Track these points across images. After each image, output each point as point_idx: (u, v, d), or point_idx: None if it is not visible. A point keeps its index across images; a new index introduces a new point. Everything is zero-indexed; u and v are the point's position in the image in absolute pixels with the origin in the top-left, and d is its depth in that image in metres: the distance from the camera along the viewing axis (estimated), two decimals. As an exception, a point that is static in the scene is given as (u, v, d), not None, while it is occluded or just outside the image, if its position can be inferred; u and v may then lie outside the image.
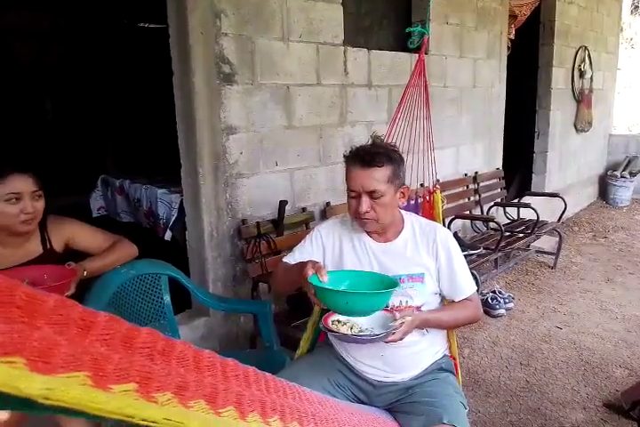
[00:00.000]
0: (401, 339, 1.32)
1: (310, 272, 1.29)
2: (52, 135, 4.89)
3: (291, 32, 2.66)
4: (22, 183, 1.49)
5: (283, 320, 2.43)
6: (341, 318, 1.39)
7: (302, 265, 1.34)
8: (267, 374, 0.78)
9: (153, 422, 0.47)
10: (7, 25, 4.61)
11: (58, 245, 1.67)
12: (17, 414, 1.41)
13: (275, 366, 1.80)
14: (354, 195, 1.44)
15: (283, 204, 2.64)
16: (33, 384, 0.38)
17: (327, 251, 1.55)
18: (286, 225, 2.70)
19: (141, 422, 0.46)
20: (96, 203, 3.75)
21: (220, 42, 2.34)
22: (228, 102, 2.41)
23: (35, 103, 4.93)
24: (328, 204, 3.00)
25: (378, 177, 1.40)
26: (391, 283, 1.34)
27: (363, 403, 1.48)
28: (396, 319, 1.31)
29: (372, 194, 1.41)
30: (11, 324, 0.40)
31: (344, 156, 1.48)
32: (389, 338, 1.29)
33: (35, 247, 1.62)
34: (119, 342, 0.51)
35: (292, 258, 1.56)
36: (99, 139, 5.11)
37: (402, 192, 1.49)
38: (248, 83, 2.49)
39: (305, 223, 2.85)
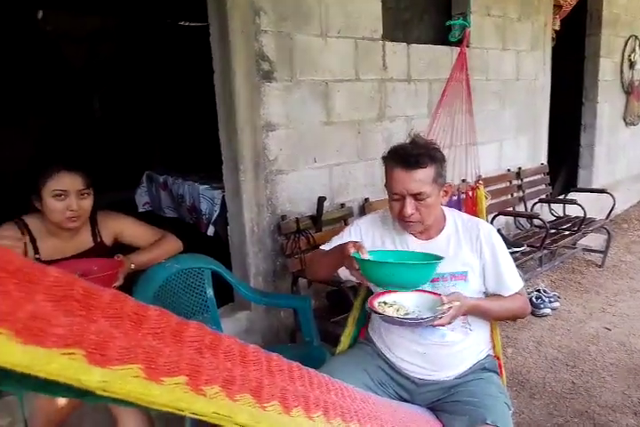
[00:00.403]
0: (449, 323, 1.30)
1: (352, 250, 1.30)
2: (100, 133, 5.05)
3: (329, 28, 2.65)
4: (70, 181, 1.54)
5: (323, 316, 2.44)
6: (388, 299, 1.38)
7: (343, 245, 1.35)
8: (310, 369, 0.78)
9: (202, 415, 0.48)
10: (58, 28, 4.79)
11: (107, 238, 1.73)
12: (74, 400, 1.48)
13: (315, 361, 1.80)
14: (397, 197, 1.41)
15: (321, 200, 2.64)
16: (92, 377, 0.39)
17: (366, 245, 1.54)
18: (325, 221, 2.70)
19: (190, 415, 0.48)
20: (141, 198, 3.86)
21: (260, 39, 2.36)
22: (268, 99, 2.43)
23: (84, 102, 5.10)
24: (367, 200, 2.98)
25: (422, 178, 1.37)
26: (435, 258, 1.33)
27: (405, 401, 1.47)
28: (443, 303, 1.30)
29: (416, 196, 1.38)
30: (71, 317, 0.42)
31: (383, 157, 1.45)
32: (436, 322, 1.28)
33: (86, 240, 1.68)
34: (169, 336, 0.53)
35: (328, 246, 1.56)
36: (145, 136, 5.25)
37: (444, 190, 1.46)
38: (287, 80, 2.50)
39: (343, 219, 2.85)
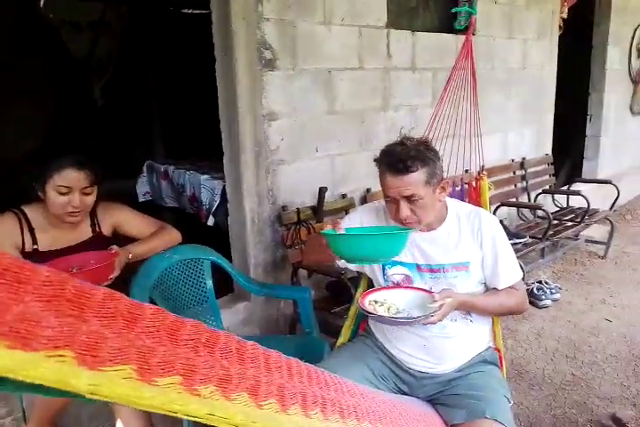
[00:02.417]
0: (440, 320, 1.30)
1: (327, 227, 1.35)
2: (101, 122, 5.01)
3: (333, 15, 2.61)
4: (75, 178, 1.53)
5: (322, 307, 2.44)
6: (378, 297, 1.39)
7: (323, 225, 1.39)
8: (309, 365, 0.78)
9: (196, 417, 0.47)
10: (59, 16, 4.73)
11: (106, 229, 1.72)
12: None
13: (314, 351, 1.81)
14: (391, 200, 1.40)
15: (322, 190, 2.63)
16: (81, 380, 0.38)
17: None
18: (326, 211, 2.69)
19: (185, 418, 0.47)
20: (142, 188, 3.84)
21: (262, 27, 2.32)
22: (270, 88, 2.40)
23: (85, 91, 5.05)
24: (368, 190, 2.96)
25: (413, 182, 1.35)
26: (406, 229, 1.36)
27: (404, 394, 1.47)
28: (435, 300, 1.29)
29: (409, 198, 1.37)
30: (61, 317, 0.41)
31: (374, 159, 1.43)
32: (428, 320, 1.28)
33: (85, 231, 1.68)
34: (165, 335, 0.52)
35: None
36: (146, 125, 5.20)
37: (442, 187, 1.44)
38: (289, 68, 2.47)
39: (345, 210, 2.83)
